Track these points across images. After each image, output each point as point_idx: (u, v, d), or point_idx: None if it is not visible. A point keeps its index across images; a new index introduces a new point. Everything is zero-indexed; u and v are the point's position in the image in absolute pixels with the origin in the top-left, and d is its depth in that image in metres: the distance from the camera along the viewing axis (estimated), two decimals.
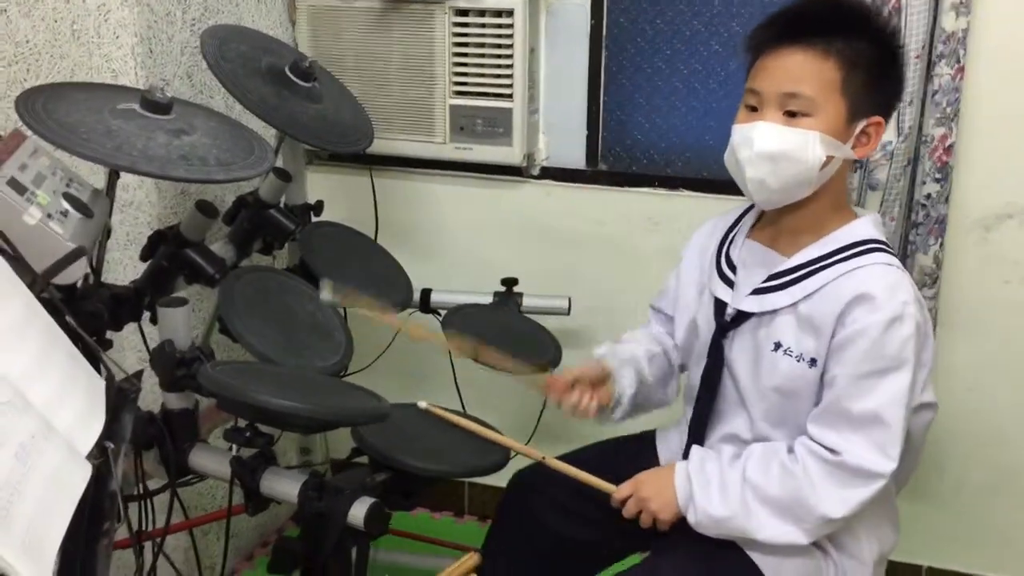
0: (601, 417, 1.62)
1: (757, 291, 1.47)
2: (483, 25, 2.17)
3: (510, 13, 2.13)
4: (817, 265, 1.42)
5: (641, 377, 1.63)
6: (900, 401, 1.34)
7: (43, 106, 1.36)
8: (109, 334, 1.56)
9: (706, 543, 1.45)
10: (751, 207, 1.58)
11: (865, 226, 1.45)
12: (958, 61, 1.88)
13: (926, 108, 1.92)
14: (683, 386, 1.68)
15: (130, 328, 1.67)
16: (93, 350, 1.17)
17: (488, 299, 2.11)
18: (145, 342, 1.76)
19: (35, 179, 1.32)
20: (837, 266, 1.40)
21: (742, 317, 1.49)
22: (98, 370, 1.14)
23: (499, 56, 2.18)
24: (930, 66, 1.89)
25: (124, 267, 1.93)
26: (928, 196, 1.96)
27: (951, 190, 1.98)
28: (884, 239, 1.45)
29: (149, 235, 1.73)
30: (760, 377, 1.46)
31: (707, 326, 1.55)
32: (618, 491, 1.50)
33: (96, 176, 1.74)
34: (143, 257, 1.73)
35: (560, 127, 2.30)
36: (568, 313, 2.14)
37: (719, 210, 1.70)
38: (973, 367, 2.08)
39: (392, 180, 2.41)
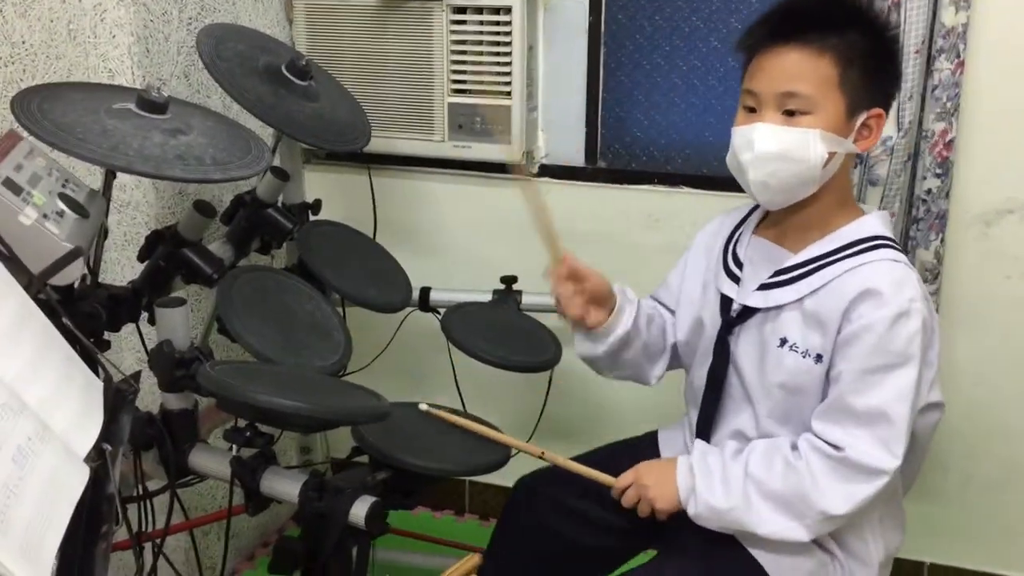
0: (578, 329, 1.58)
1: (763, 287, 1.47)
2: (481, 23, 2.16)
3: (508, 10, 2.13)
4: (823, 261, 1.42)
5: (637, 326, 1.58)
6: (905, 397, 1.33)
7: (39, 106, 1.36)
8: (107, 335, 1.56)
9: (712, 544, 1.44)
10: (757, 205, 1.57)
11: (873, 223, 1.44)
12: (958, 56, 1.87)
13: (926, 103, 1.91)
14: (685, 387, 1.66)
15: (128, 329, 1.67)
16: (90, 351, 1.16)
17: (487, 297, 2.10)
18: (143, 343, 1.75)
19: (31, 179, 1.31)
20: (843, 262, 1.40)
21: (748, 313, 1.48)
22: (96, 371, 1.14)
23: (497, 54, 2.17)
24: (930, 61, 1.89)
25: (122, 267, 1.92)
26: (928, 191, 1.96)
27: (952, 185, 1.97)
28: (892, 236, 1.44)
29: (146, 235, 1.72)
30: (766, 373, 1.45)
31: (712, 323, 1.54)
32: (619, 480, 1.49)
33: (93, 176, 1.73)
34: (141, 257, 1.72)
35: (559, 125, 2.29)
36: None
37: (719, 207, 1.69)
38: (974, 362, 2.08)
39: (390, 179, 2.40)
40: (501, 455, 1.60)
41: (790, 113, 1.37)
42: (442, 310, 2.04)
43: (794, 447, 1.40)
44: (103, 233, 1.56)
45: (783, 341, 1.43)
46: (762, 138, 1.38)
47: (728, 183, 2.09)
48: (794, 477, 1.37)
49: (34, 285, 1.18)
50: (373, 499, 1.40)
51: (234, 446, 1.46)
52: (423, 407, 1.62)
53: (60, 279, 1.26)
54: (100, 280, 1.58)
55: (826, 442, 1.37)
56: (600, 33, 2.21)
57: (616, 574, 1.62)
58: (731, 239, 1.58)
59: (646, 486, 1.46)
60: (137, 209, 1.94)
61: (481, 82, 2.20)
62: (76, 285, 1.41)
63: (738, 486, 1.40)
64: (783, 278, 1.45)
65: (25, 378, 0.94)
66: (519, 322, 2.04)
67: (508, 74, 2.17)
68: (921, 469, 1.57)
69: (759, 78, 1.40)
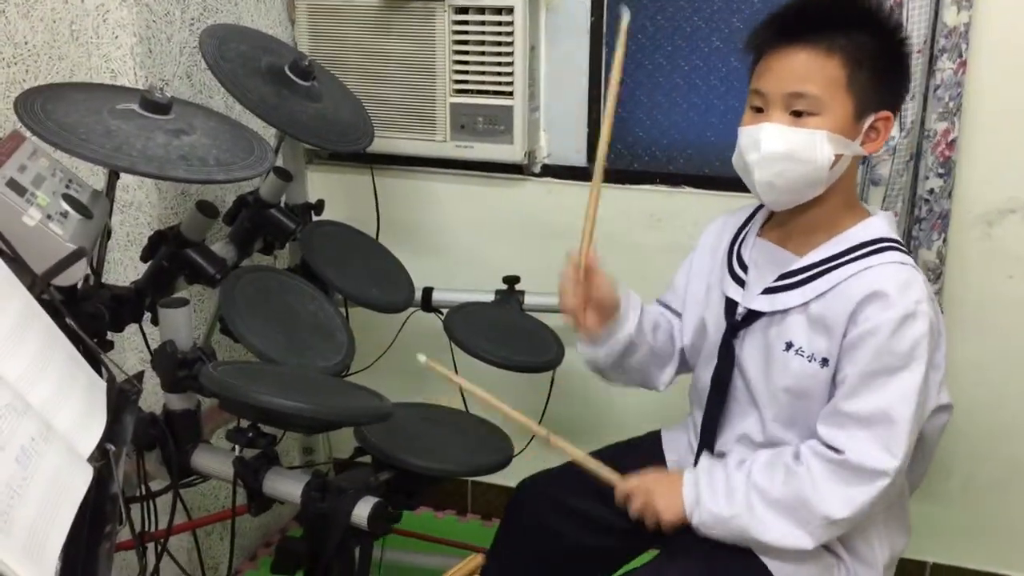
0: (581, 332, 1.58)
1: (768, 290, 1.46)
2: (483, 23, 2.16)
3: (510, 10, 2.13)
4: (829, 264, 1.41)
5: (642, 331, 1.58)
6: (909, 400, 1.33)
7: (42, 107, 1.36)
8: (110, 335, 1.56)
9: (715, 545, 1.44)
10: (762, 205, 1.56)
11: (879, 225, 1.43)
12: (960, 55, 1.87)
13: (928, 103, 1.91)
14: (689, 387, 1.66)
15: (131, 329, 1.67)
16: (93, 351, 1.16)
17: (490, 297, 2.10)
18: (146, 343, 1.75)
19: (34, 180, 1.31)
20: (849, 265, 1.39)
21: (753, 316, 1.47)
22: (99, 372, 1.14)
23: (499, 54, 2.17)
24: (932, 61, 1.88)
25: (125, 268, 1.93)
26: (931, 191, 1.96)
27: (954, 185, 1.97)
28: (898, 238, 1.43)
29: (149, 236, 1.73)
30: (771, 377, 1.45)
31: (717, 325, 1.54)
32: (623, 484, 1.49)
33: (96, 177, 1.73)
34: (144, 258, 1.72)
35: (561, 124, 2.29)
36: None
37: (722, 207, 1.69)
38: (977, 362, 2.07)
39: (393, 179, 2.40)
40: (504, 455, 1.60)
41: (797, 114, 1.37)
42: (444, 310, 2.04)
43: (796, 455, 1.40)
44: (106, 233, 1.56)
45: (789, 345, 1.42)
46: (769, 138, 1.38)
47: (730, 183, 2.10)
48: (795, 483, 1.36)
49: (38, 285, 1.18)
50: (375, 499, 1.40)
51: (237, 446, 1.46)
52: (421, 359, 1.58)
53: (64, 279, 1.27)
54: (103, 280, 1.58)
55: (828, 446, 1.36)
56: (602, 33, 2.21)
57: (619, 574, 1.62)
58: (736, 240, 1.57)
59: (652, 492, 1.45)
60: (140, 210, 1.94)
61: (483, 82, 2.20)
62: (79, 285, 1.41)
63: (741, 494, 1.39)
64: (788, 282, 1.44)
65: (29, 378, 0.94)
66: (521, 322, 2.04)
67: (510, 74, 2.17)
68: (927, 471, 1.56)
69: (767, 78, 1.39)
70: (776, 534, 1.37)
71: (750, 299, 1.48)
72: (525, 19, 2.13)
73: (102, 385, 1.10)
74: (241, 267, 1.86)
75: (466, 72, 2.21)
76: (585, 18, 2.20)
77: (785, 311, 1.43)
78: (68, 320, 1.14)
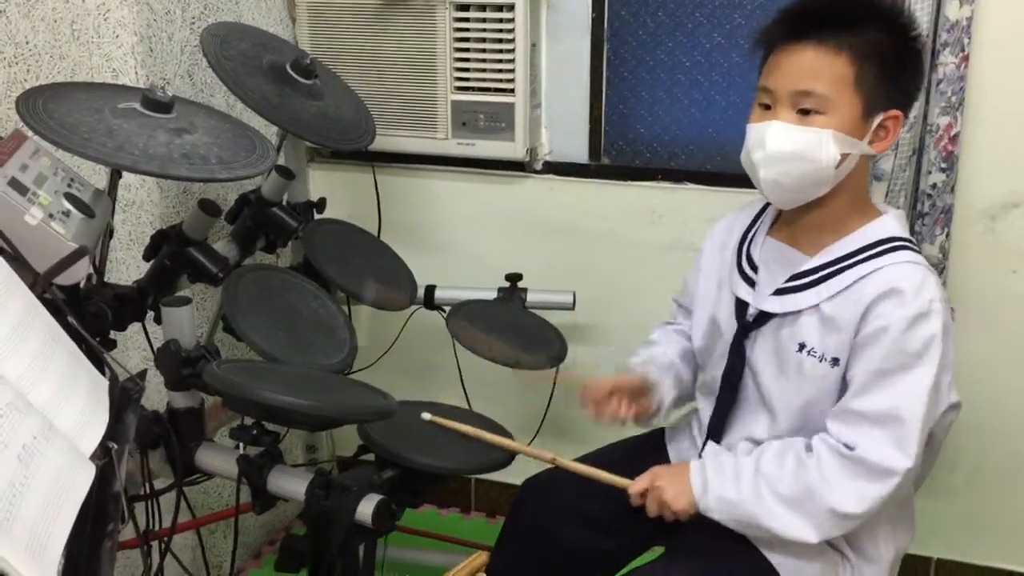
0: (641, 423, 1.63)
1: (779, 291, 1.45)
2: (484, 20, 2.16)
3: (511, 7, 2.13)
4: (842, 264, 1.40)
5: (680, 381, 1.64)
6: (920, 399, 1.32)
7: (43, 106, 1.36)
8: (113, 334, 1.56)
9: (721, 543, 1.43)
10: (770, 203, 1.56)
11: (890, 224, 1.42)
12: (962, 50, 1.87)
13: (931, 97, 1.91)
14: (697, 384, 1.66)
15: (134, 328, 1.67)
16: (96, 350, 1.16)
17: (492, 294, 2.10)
18: (149, 342, 1.75)
19: (36, 179, 1.31)
20: (863, 265, 1.38)
21: (764, 318, 1.46)
22: (102, 371, 1.14)
23: (500, 51, 2.17)
24: (934, 55, 1.88)
25: (127, 267, 1.93)
26: (934, 186, 1.95)
27: (957, 180, 1.97)
28: (910, 237, 1.42)
29: (152, 234, 1.73)
30: (783, 378, 1.44)
31: (728, 325, 1.53)
32: (634, 484, 1.48)
33: (98, 176, 1.73)
34: (146, 257, 1.72)
35: (562, 121, 2.29)
36: (573, 308, 2.14)
37: (723, 203, 1.69)
38: (982, 357, 2.07)
39: (395, 177, 2.40)
40: (507, 454, 1.60)
41: (805, 112, 1.36)
42: (447, 308, 2.04)
43: (808, 447, 1.39)
44: (108, 233, 1.56)
45: (801, 346, 1.42)
46: (775, 137, 1.37)
47: (732, 179, 2.10)
48: (804, 474, 1.36)
49: (39, 284, 1.19)
50: (379, 497, 1.40)
51: (240, 444, 1.46)
52: (426, 417, 1.61)
53: (66, 278, 1.27)
54: (106, 279, 1.58)
55: (840, 442, 1.35)
56: (603, 29, 2.21)
57: (623, 572, 1.62)
58: (745, 239, 1.56)
59: (660, 487, 1.45)
60: (142, 208, 1.94)
61: (484, 79, 2.20)
62: (82, 284, 1.41)
63: (749, 480, 1.39)
64: (800, 282, 1.43)
65: (31, 377, 0.94)
66: (524, 319, 2.04)
67: (511, 71, 2.17)
68: (932, 468, 1.56)
69: (775, 76, 1.38)
70: (781, 523, 1.36)
71: (761, 300, 1.47)
72: (526, 16, 2.13)
73: (104, 384, 1.10)
74: (243, 265, 1.86)
75: (467, 69, 2.21)
76: (586, 15, 2.20)
77: (797, 312, 1.42)
78: (70, 319, 1.14)
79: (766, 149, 1.38)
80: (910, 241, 1.41)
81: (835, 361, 1.39)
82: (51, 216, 1.26)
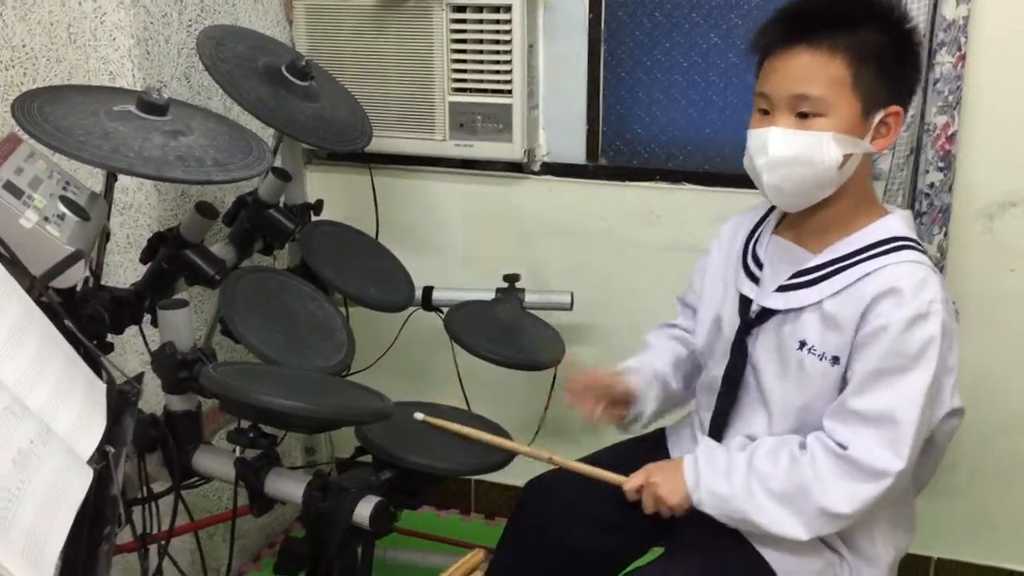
0: (619, 428, 1.64)
1: (783, 288, 1.45)
2: (481, 21, 2.16)
3: (508, 8, 2.12)
4: (845, 262, 1.40)
5: (667, 392, 1.64)
6: (916, 401, 1.31)
7: (39, 109, 1.36)
8: (110, 337, 1.56)
9: (719, 542, 1.43)
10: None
11: (895, 223, 1.42)
12: (959, 49, 1.87)
13: (928, 96, 1.91)
14: (697, 383, 1.65)
15: (131, 331, 1.67)
16: (93, 354, 1.16)
17: (490, 295, 2.10)
18: (146, 345, 1.75)
19: (32, 182, 1.31)
20: (865, 263, 1.38)
21: (767, 314, 1.46)
22: (99, 374, 1.14)
23: (497, 52, 2.17)
24: (931, 54, 1.88)
25: (124, 270, 1.93)
26: (931, 185, 1.95)
27: (954, 179, 1.96)
28: (915, 237, 1.42)
29: (149, 237, 1.72)
30: (784, 376, 1.44)
31: (731, 322, 1.53)
32: (629, 481, 1.48)
33: (95, 179, 1.73)
34: (143, 259, 1.72)
35: (560, 122, 2.29)
36: (571, 308, 2.14)
37: (721, 203, 1.69)
38: (980, 357, 2.07)
39: (392, 178, 2.40)
40: (506, 455, 1.60)
41: (803, 115, 1.35)
42: (445, 309, 2.04)
43: (802, 445, 1.39)
44: (105, 236, 1.56)
45: (802, 344, 1.41)
46: (775, 142, 1.36)
47: (729, 179, 2.10)
48: (798, 471, 1.36)
49: (36, 288, 1.18)
50: (377, 499, 1.40)
51: (238, 447, 1.46)
52: (418, 416, 1.61)
53: (62, 282, 1.27)
54: (103, 283, 1.58)
55: (834, 440, 1.35)
56: (600, 30, 2.21)
57: (623, 573, 1.62)
58: (751, 238, 1.56)
59: (655, 483, 1.45)
60: (139, 211, 1.94)
61: (482, 81, 2.20)
62: (79, 288, 1.41)
63: (741, 476, 1.39)
64: (803, 280, 1.43)
65: (27, 381, 0.94)
66: (522, 320, 2.03)
67: (509, 72, 2.17)
68: (935, 472, 1.55)
69: (771, 81, 1.38)
70: (771, 520, 1.37)
71: (764, 297, 1.47)
72: (523, 17, 2.13)
73: (101, 387, 1.10)
74: (241, 268, 1.86)
75: (464, 71, 2.21)
76: (583, 16, 2.20)
77: (799, 309, 1.42)
78: (67, 322, 1.14)
79: (768, 155, 1.37)
80: (915, 241, 1.41)
81: (835, 360, 1.38)
82: (46, 219, 1.26)
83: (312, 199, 2.15)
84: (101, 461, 0.99)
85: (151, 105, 1.44)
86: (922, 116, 1.92)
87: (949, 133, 1.92)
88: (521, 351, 1.89)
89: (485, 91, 2.21)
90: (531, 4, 2.16)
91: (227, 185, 2.10)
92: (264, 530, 2.50)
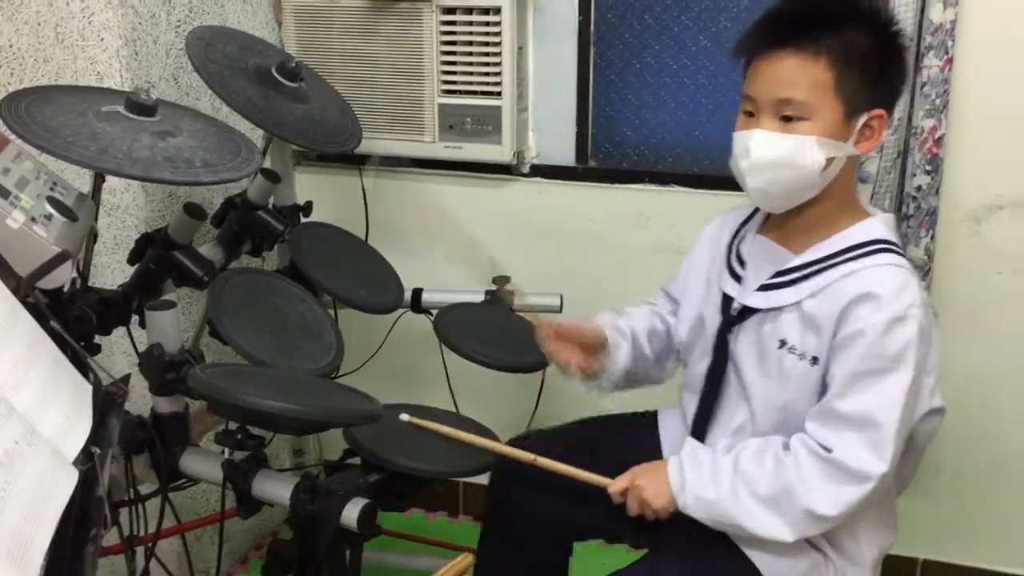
0: (587, 382, 1.63)
1: (764, 287, 1.46)
2: (471, 23, 2.16)
3: (497, 11, 2.13)
4: (825, 263, 1.41)
5: (639, 352, 1.64)
6: (896, 403, 1.32)
7: (26, 109, 1.35)
8: (98, 338, 1.55)
9: (705, 543, 1.44)
10: None
11: (876, 226, 1.43)
12: (946, 53, 1.87)
13: (915, 100, 1.92)
14: (682, 382, 1.66)
15: (119, 332, 1.66)
16: (79, 355, 1.16)
17: (480, 298, 2.10)
18: (134, 346, 1.75)
19: (18, 183, 1.30)
20: (844, 265, 1.39)
21: (747, 313, 1.47)
22: (86, 375, 1.13)
23: (487, 54, 2.17)
24: (918, 58, 1.89)
25: (112, 271, 1.92)
26: (919, 188, 1.96)
27: (941, 182, 1.97)
28: (895, 240, 1.43)
29: (136, 238, 1.72)
30: (765, 375, 1.45)
31: (713, 320, 1.54)
32: (614, 483, 1.48)
33: (83, 180, 1.73)
34: (131, 261, 1.71)
35: (549, 124, 2.29)
36: (560, 310, 2.14)
37: (710, 205, 1.69)
38: (966, 359, 2.08)
39: (382, 180, 2.40)
40: (493, 456, 1.60)
41: (787, 119, 1.36)
42: (434, 311, 2.03)
43: (786, 446, 1.40)
44: (93, 237, 1.55)
45: (782, 343, 1.42)
46: (758, 145, 1.37)
47: (719, 182, 2.11)
48: (782, 474, 1.36)
49: (22, 288, 1.18)
50: (365, 501, 1.40)
51: (225, 449, 1.46)
52: (404, 417, 1.61)
53: (49, 282, 1.26)
54: (90, 284, 1.57)
55: (817, 442, 1.36)
56: (590, 33, 2.21)
57: (610, 571, 1.62)
58: (735, 237, 1.57)
59: (640, 486, 1.45)
60: (127, 212, 1.93)
61: (471, 83, 2.20)
62: (66, 289, 1.40)
63: (726, 479, 1.39)
64: (784, 279, 1.44)
65: (13, 382, 0.94)
66: (511, 323, 2.03)
67: (498, 74, 2.17)
68: (916, 472, 1.56)
69: (756, 84, 1.39)
70: (758, 523, 1.37)
71: (746, 295, 1.48)
72: (513, 19, 2.13)
73: (88, 388, 1.09)
74: (229, 269, 1.85)
75: (454, 73, 2.21)
76: (573, 18, 2.20)
77: (779, 308, 1.43)
78: (53, 323, 1.14)
79: (751, 158, 1.38)
80: (895, 244, 1.42)
81: (815, 360, 1.39)
82: (33, 220, 1.26)
83: (301, 200, 2.15)
84: (87, 462, 0.98)
85: (139, 106, 1.44)
86: (909, 119, 1.93)
87: (936, 136, 1.92)
88: (510, 353, 1.88)
89: (474, 93, 2.21)
90: (521, 6, 2.17)
91: (216, 186, 2.09)
92: (252, 532, 2.49)
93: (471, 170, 2.33)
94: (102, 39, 1.83)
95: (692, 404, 1.58)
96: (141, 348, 1.53)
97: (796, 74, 1.35)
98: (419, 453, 1.54)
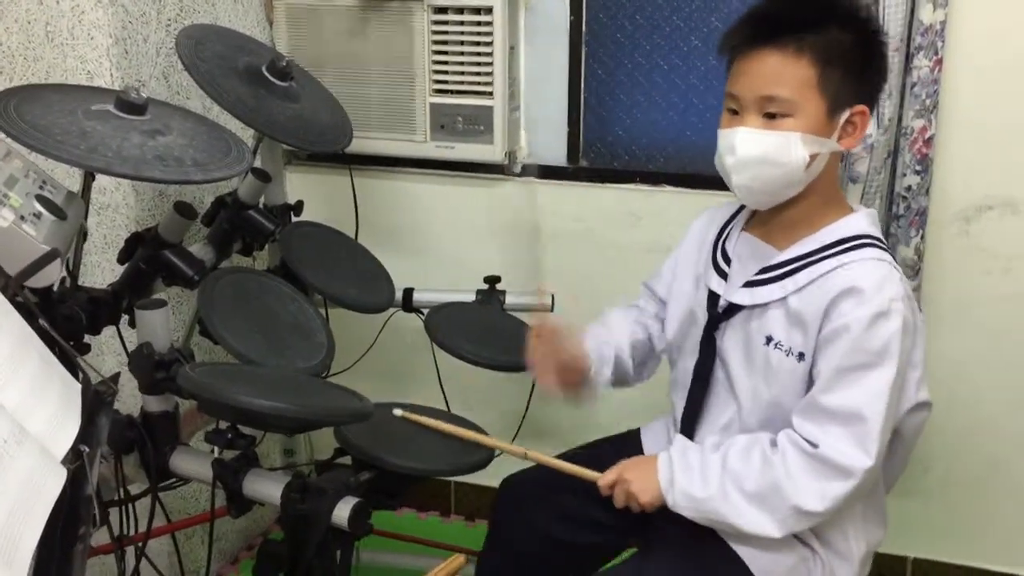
0: (567, 399, 1.65)
1: (749, 284, 1.47)
2: (462, 23, 2.16)
3: (489, 11, 2.13)
4: (809, 259, 1.42)
5: (621, 368, 1.65)
6: (881, 397, 1.33)
7: (16, 108, 1.35)
8: (87, 338, 1.55)
9: (693, 539, 1.45)
10: None
11: (859, 221, 1.44)
12: (936, 53, 1.88)
13: (905, 100, 1.92)
14: (670, 379, 1.67)
15: (109, 331, 1.66)
16: (68, 354, 1.15)
17: (471, 297, 2.10)
18: (124, 345, 1.74)
19: (7, 181, 1.30)
20: (827, 261, 1.40)
21: (734, 309, 1.48)
22: (75, 374, 1.13)
23: (479, 54, 2.17)
24: (908, 58, 1.90)
25: (102, 270, 1.91)
26: (908, 188, 1.97)
27: (931, 182, 1.98)
28: (878, 235, 1.44)
29: (127, 237, 1.71)
30: (752, 371, 1.46)
31: (701, 318, 1.55)
32: (603, 477, 1.49)
33: (73, 179, 1.72)
34: (121, 260, 1.71)
35: (541, 124, 2.29)
36: (551, 310, 2.14)
37: (701, 205, 1.70)
38: (955, 358, 2.09)
39: (373, 179, 2.39)
40: (484, 455, 1.60)
41: (771, 116, 1.37)
42: (425, 310, 2.03)
43: (773, 442, 1.41)
44: (82, 235, 1.55)
45: (768, 339, 1.43)
46: (743, 142, 1.39)
47: (710, 181, 2.11)
48: (770, 471, 1.37)
49: (11, 287, 1.17)
50: (356, 500, 1.39)
51: (216, 448, 1.46)
52: (397, 412, 1.61)
53: (38, 281, 1.26)
54: (80, 283, 1.57)
55: (803, 438, 1.37)
56: (581, 32, 2.21)
57: (599, 571, 1.62)
58: (721, 234, 1.58)
59: (628, 480, 1.46)
60: (117, 211, 1.93)
61: (463, 82, 2.20)
62: (55, 288, 1.40)
63: (715, 477, 1.40)
64: (768, 275, 1.45)
65: (1, 380, 0.93)
66: (503, 322, 2.03)
67: (490, 74, 2.17)
68: (905, 467, 1.57)
69: (740, 82, 1.40)
70: (746, 521, 1.38)
71: (731, 292, 1.49)
72: (504, 19, 2.14)
73: (77, 387, 1.09)
74: (220, 268, 1.85)
75: (445, 72, 2.21)
76: (564, 18, 2.21)
77: (765, 305, 1.44)
78: (42, 322, 1.13)
79: (736, 155, 1.39)
80: (878, 239, 1.43)
81: (801, 356, 1.40)
82: (22, 218, 1.25)
83: (292, 200, 2.14)
84: (75, 461, 0.98)
85: (130, 104, 1.44)
86: (899, 120, 1.94)
87: (926, 137, 1.93)
88: (501, 353, 1.88)
89: (466, 93, 2.21)
90: (512, 6, 2.17)
91: (206, 185, 2.09)
92: (243, 532, 2.49)
93: (462, 170, 2.33)
94: (92, 38, 1.82)
95: (680, 402, 1.58)
96: (131, 347, 1.52)
97: (779, 71, 1.36)
98: (410, 452, 1.54)
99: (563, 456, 1.61)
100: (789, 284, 1.42)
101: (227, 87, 1.75)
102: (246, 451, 1.46)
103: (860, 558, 1.48)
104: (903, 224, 1.99)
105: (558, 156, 2.30)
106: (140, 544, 1.58)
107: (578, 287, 2.29)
